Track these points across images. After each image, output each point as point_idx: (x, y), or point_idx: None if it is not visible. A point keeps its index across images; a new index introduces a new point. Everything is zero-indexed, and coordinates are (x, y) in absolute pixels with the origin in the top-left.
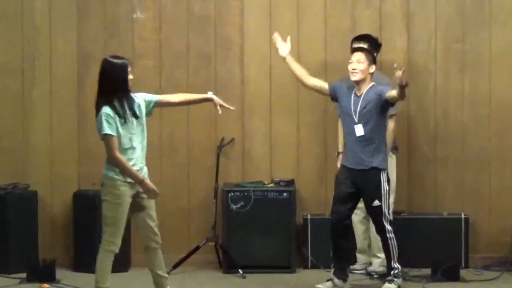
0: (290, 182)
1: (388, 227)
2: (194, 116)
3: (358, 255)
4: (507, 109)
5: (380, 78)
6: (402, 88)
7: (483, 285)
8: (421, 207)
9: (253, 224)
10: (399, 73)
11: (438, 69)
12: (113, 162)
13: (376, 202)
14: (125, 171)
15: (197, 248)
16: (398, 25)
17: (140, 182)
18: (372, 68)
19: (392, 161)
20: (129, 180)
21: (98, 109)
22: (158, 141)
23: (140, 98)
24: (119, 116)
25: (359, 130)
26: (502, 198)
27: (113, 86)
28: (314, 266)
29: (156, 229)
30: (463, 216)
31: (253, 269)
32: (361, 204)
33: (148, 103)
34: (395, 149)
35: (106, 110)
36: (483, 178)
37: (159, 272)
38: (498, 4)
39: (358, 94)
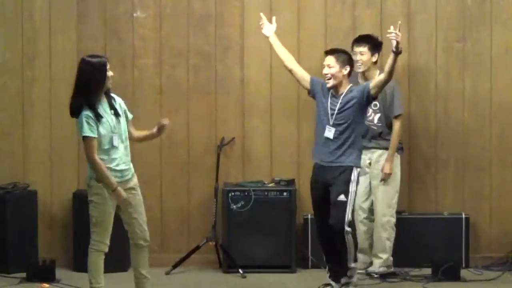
0: (291, 182)
1: (347, 228)
2: (194, 116)
3: (359, 255)
4: (508, 108)
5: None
6: (395, 54)
7: (483, 285)
8: (421, 206)
9: (253, 224)
10: (392, 32)
11: (438, 68)
12: (91, 164)
13: (342, 197)
14: (101, 174)
15: (197, 247)
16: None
17: (113, 190)
18: (346, 70)
19: (397, 160)
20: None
21: (74, 109)
22: (158, 141)
23: (120, 101)
24: (99, 116)
25: (329, 133)
26: (503, 198)
27: (93, 85)
28: (315, 266)
29: (144, 226)
30: (463, 216)
31: (253, 269)
32: (364, 204)
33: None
34: (400, 149)
35: (86, 111)
36: (483, 178)
37: (143, 272)
38: (498, 4)
39: (336, 96)
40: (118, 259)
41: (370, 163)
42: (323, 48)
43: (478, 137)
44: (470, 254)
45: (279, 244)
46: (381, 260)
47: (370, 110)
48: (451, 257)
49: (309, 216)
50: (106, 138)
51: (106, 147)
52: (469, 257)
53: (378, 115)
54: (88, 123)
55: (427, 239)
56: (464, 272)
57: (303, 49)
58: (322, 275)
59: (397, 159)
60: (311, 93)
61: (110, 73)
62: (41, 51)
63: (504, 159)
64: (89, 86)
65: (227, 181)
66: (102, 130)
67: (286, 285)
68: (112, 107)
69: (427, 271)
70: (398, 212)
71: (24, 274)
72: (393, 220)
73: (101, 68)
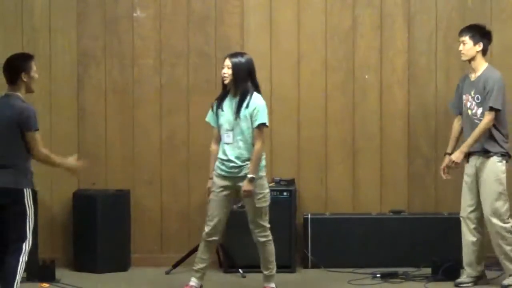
0: (291, 182)
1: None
2: (194, 116)
3: (465, 268)
4: (508, 108)
5: (492, 72)
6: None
7: (483, 285)
8: (421, 206)
9: None
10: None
11: (438, 68)
12: None
13: None
14: None
15: (198, 247)
16: (399, 24)
17: None
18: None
19: (502, 167)
20: (219, 172)
21: None
22: (158, 141)
23: (254, 105)
24: (220, 108)
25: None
26: None
27: None
28: (315, 266)
29: (252, 225)
30: None
31: (253, 269)
32: (471, 215)
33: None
34: (505, 155)
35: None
36: None
37: (261, 266)
38: (498, 3)
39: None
40: (118, 259)
41: (476, 172)
42: (323, 47)
43: None
44: None
45: (279, 244)
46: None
47: (474, 103)
48: (451, 257)
49: (309, 216)
50: (222, 130)
51: (222, 138)
52: None
53: (480, 109)
54: (210, 108)
55: (427, 238)
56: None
57: (302, 49)
58: (323, 275)
59: (502, 165)
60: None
61: (223, 70)
62: (41, 51)
63: None
64: None
65: None
66: (221, 120)
67: (286, 285)
68: (237, 106)
69: (427, 270)
70: (397, 212)
71: (24, 274)
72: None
73: None
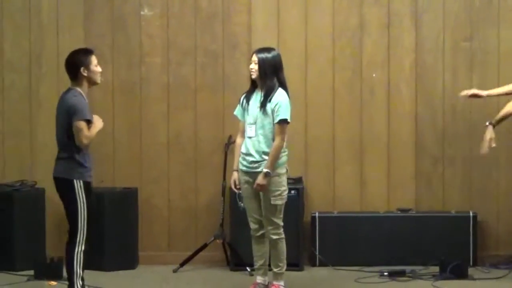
0: (298, 180)
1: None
2: (201, 114)
3: None
4: None
5: None
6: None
7: (491, 283)
8: (429, 205)
9: None
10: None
11: (446, 67)
12: None
13: None
14: None
15: (205, 245)
16: (406, 23)
17: None
18: None
19: None
20: (241, 167)
21: None
22: (165, 139)
23: (276, 100)
24: (247, 102)
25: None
26: (510, 196)
27: None
28: (322, 264)
29: (265, 221)
30: (471, 214)
31: None
32: None
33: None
34: None
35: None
36: (491, 176)
37: (271, 263)
38: (506, 2)
39: None
40: (126, 257)
41: None
42: (330, 46)
43: None
44: (478, 252)
45: (286, 242)
46: None
47: None
48: (458, 256)
49: (317, 214)
50: (246, 124)
51: (245, 132)
52: (477, 255)
53: None
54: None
55: (434, 237)
56: (471, 270)
57: (310, 47)
58: (330, 273)
59: None
60: None
61: (250, 66)
62: (49, 49)
63: (511, 157)
64: None
65: None
66: (246, 115)
67: (294, 283)
68: (262, 101)
69: (435, 269)
70: (405, 210)
71: (31, 272)
72: None
73: None
